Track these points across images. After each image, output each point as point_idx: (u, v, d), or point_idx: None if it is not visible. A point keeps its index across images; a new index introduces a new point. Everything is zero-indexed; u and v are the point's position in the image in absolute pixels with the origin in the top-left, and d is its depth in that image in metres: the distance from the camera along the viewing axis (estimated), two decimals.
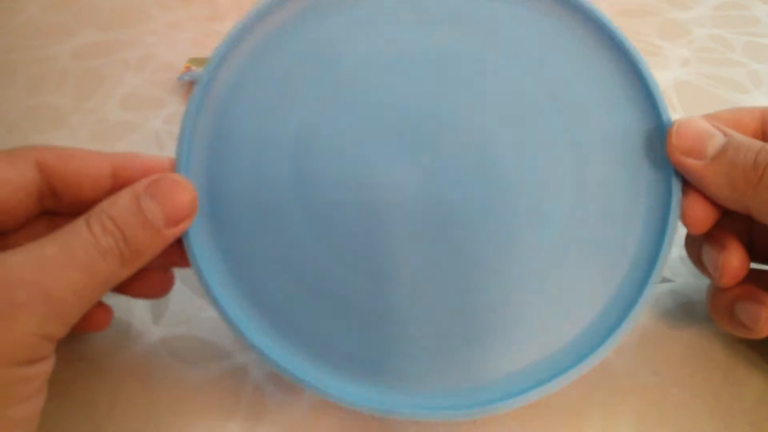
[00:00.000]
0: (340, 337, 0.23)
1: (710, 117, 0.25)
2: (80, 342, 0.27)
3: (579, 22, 0.24)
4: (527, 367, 0.23)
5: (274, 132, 0.23)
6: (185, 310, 0.28)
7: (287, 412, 0.25)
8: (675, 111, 0.40)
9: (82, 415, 0.24)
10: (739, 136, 0.23)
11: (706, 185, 0.23)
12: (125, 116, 0.39)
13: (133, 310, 0.28)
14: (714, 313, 0.26)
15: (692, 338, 0.27)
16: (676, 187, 0.24)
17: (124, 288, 0.25)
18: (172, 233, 0.21)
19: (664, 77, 0.42)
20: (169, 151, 0.37)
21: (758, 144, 0.22)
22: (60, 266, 0.19)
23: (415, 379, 0.23)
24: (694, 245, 0.26)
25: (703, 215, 0.23)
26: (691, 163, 0.23)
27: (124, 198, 0.21)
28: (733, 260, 0.23)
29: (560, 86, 0.24)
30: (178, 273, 0.30)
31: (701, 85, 0.42)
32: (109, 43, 0.45)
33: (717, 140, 0.23)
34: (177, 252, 0.23)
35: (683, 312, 0.29)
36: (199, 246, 0.23)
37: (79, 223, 0.20)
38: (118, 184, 0.23)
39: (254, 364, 0.26)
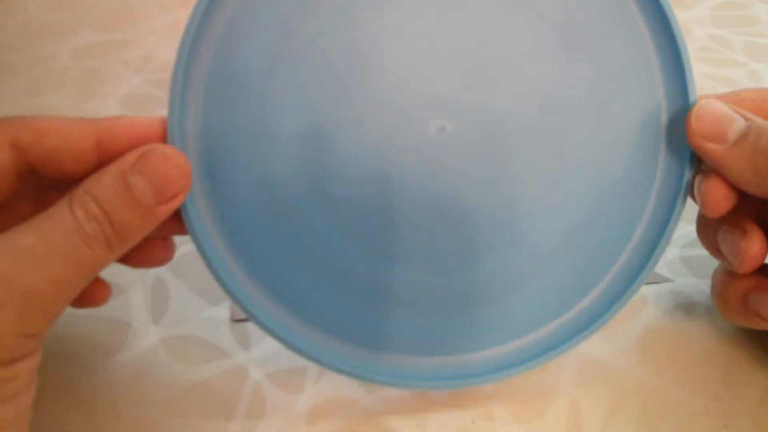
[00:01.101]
0: (338, 307, 0.23)
1: (732, 98, 0.24)
2: (80, 342, 0.27)
3: None
4: (517, 346, 0.24)
5: (277, 98, 0.22)
6: (185, 310, 0.28)
7: (287, 412, 0.25)
8: None
9: (82, 415, 0.24)
10: (760, 121, 0.22)
11: (727, 170, 0.22)
12: None
13: (133, 310, 0.28)
14: (724, 305, 0.25)
15: (692, 338, 0.27)
16: (688, 173, 0.24)
17: (121, 258, 0.23)
18: (164, 211, 0.20)
19: None
20: None
21: None
22: (39, 258, 0.18)
23: (410, 350, 0.24)
24: (708, 230, 0.25)
25: (722, 198, 0.23)
26: (712, 147, 0.22)
27: (109, 176, 0.19)
28: (755, 245, 0.23)
29: (590, 58, 0.23)
30: (178, 272, 0.30)
31: (701, 85, 0.42)
32: (109, 43, 0.45)
33: (737, 125, 0.22)
34: (175, 220, 0.21)
35: (683, 312, 0.29)
36: (196, 213, 0.22)
37: (61, 207, 0.19)
38: (103, 155, 0.21)
39: (254, 364, 0.26)
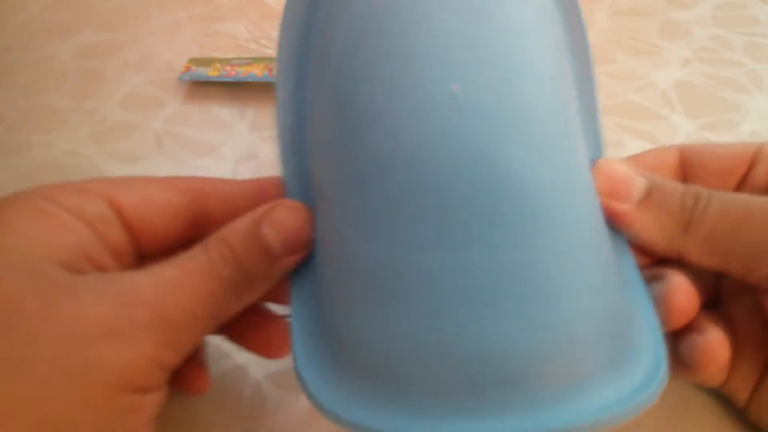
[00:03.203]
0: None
1: (634, 159, 0.24)
2: None
3: None
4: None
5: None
6: None
7: (287, 412, 0.25)
8: (675, 111, 0.40)
9: None
10: (660, 180, 0.22)
11: (638, 231, 0.22)
12: (125, 116, 0.39)
13: None
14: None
15: None
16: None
17: (238, 337, 0.24)
18: (288, 262, 0.21)
19: (664, 77, 0.42)
20: (169, 152, 0.37)
21: (680, 187, 0.22)
22: (178, 289, 0.19)
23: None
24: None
25: (686, 306, 0.21)
26: (620, 207, 0.21)
27: (243, 224, 0.20)
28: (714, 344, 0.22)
29: None
30: None
31: (701, 85, 0.42)
32: (109, 43, 0.45)
33: (639, 183, 0.22)
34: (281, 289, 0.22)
35: None
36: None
37: (199, 249, 0.20)
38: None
39: (254, 364, 0.26)
